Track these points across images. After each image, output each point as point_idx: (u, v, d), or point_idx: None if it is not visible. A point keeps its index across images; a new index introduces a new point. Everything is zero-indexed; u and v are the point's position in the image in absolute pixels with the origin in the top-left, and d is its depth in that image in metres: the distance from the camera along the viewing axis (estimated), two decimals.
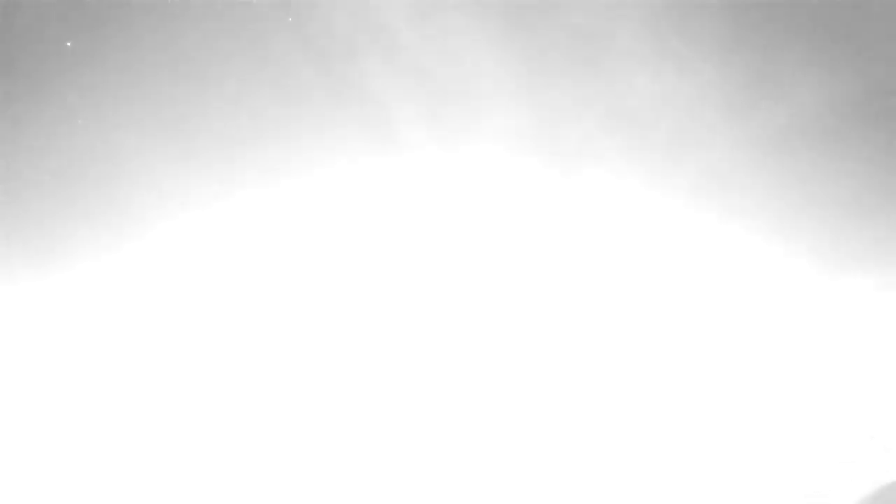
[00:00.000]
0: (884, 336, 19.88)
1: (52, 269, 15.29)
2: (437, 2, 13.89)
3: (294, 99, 14.07)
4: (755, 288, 18.57)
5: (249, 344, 16.38)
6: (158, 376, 16.22)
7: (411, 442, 16.28)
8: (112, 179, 14.27)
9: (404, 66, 14.31)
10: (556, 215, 15.42)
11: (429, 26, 14.09)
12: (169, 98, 13.77)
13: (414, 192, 14.59)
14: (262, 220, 15.12)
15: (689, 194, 15.30)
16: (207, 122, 14.07)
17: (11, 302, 15.39)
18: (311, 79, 13.92)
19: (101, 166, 14.13)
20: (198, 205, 14.81)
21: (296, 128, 14.33)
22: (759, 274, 18.49)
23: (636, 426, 18.73)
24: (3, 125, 13.65)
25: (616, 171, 15.11)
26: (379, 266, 15.89)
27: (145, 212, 14.74)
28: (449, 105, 14.47)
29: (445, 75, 14.48)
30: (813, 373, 20.21)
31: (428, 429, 16.61)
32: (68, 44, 13.05)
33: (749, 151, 15.22)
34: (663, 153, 15.15)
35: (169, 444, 15.44)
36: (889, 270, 18.31)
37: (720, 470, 18.59)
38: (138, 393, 16.16)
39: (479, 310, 17.03)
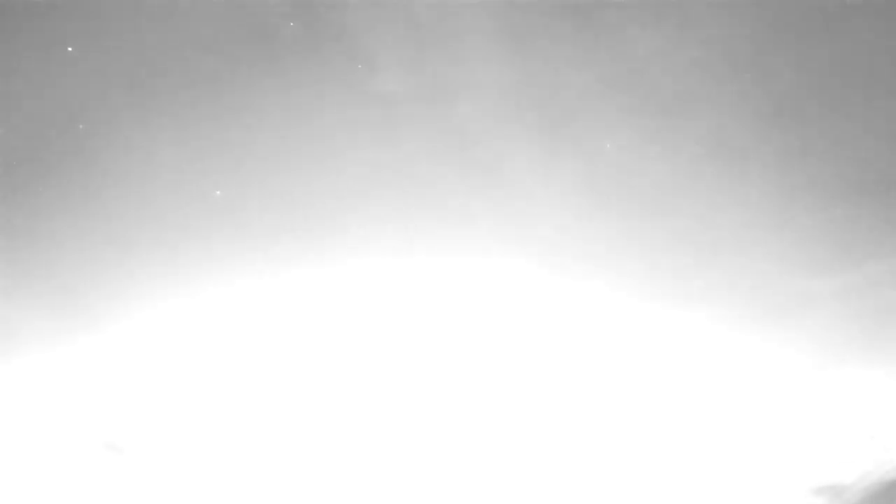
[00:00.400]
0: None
1: (51, 279, 15.02)
2: None
3: (275, 47, 13.73)
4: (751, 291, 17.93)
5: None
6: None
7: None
8: (116, 183, 14.10)
9: (391, 16, 13.54)
10: (545, 177, 14.53)
11: None
12: (171, 101, 13.61)
13: (397, 145, 13.79)
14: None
15: (690, 160, 14.46)
16: (210, 123, 13.89)
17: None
18: (292, 26, 13.56)
19: (103, 171, 13.96)
20: (199, 204, 14.60)
21: (278, 76, 14.03)
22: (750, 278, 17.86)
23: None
24: (3, 130, 13.36)
25: (613, 133, 14.23)
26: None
27: (151, 211, 14.50)
28: (437, 58, 13.64)
29: (434, 27, 13.66)
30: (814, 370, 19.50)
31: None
32: (69, 49, 12.81)
33: (757, 115, 14.42)
34: (664, 114, 14.31)
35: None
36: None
37: (715, 470, 18.61)
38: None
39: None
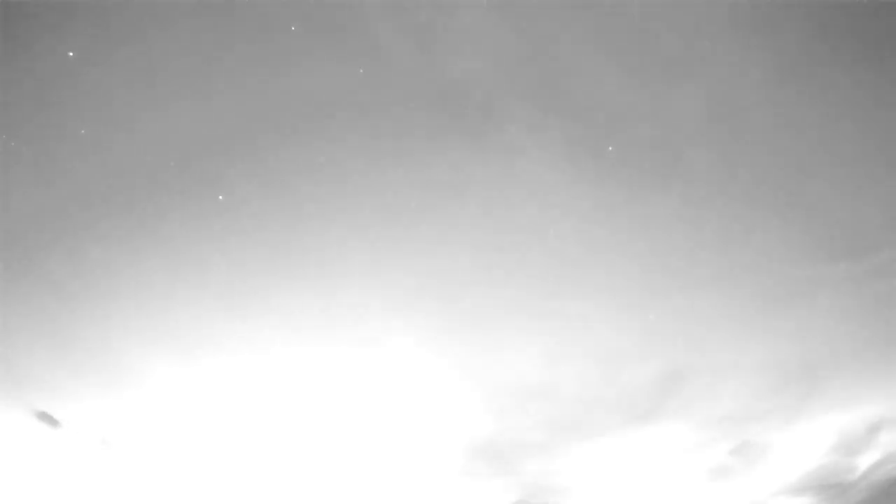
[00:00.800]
0: None
1: (52, 295, 15.33)
2: None
3: (276, 48, 13.58)
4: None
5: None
6: None
7: None
8: (118, 190, 14.33)
9: None
10: (537, 135, 13.89)
11: None
12: (174, 107, 13.72)
13: (388, 104, 13.60)
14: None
15: (691, 124, 13.72)
16: (212, 128, 14.09)
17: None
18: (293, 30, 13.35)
19: (104, 177, 14.19)
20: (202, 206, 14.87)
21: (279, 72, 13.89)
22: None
23: None
24: (4, 136, 13.53)
25: (608, 92, 13.53)
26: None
27: (153, 220, 14.74)
28: (426, 11, 13.10)
29: None
30: None
31: None
32: (70, 54, 12.97)
33: (763, 78, 13.52)
34: (664, 73, 13.59)
35: None
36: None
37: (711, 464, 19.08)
38: None
39: None
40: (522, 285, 16.57)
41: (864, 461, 18.71)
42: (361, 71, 13.62)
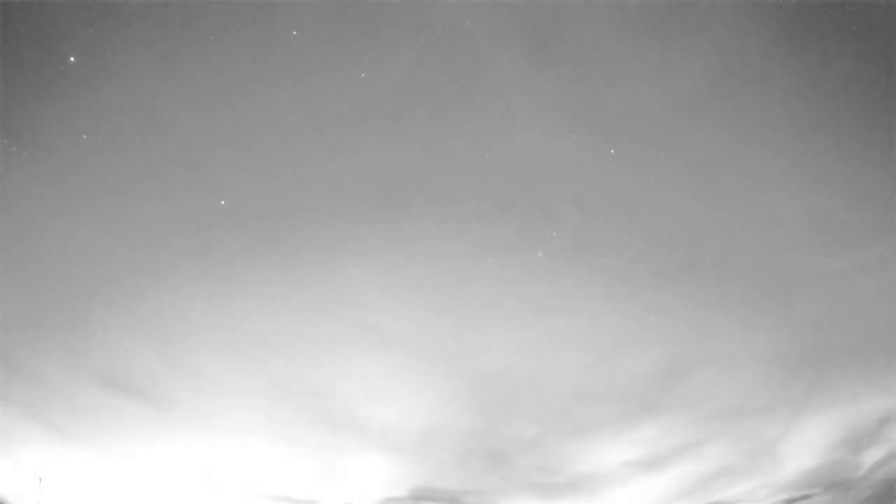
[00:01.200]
0: None
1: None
2: None
3: (278, 54, 13.49)
4: None
5: None
6: None
7: None
8: (120, 194, 14.31)
9: None
10: (530, 92, 13.29)
11: None
12: (175, 112, 13.69)
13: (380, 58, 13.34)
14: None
15: (693, 84, 13.01)
16: (214, 135, 14.05)
17: None
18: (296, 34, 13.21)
19: (106, 181, 14.17)
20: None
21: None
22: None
23: None
24: (5, 140, 13.51)
25: (604, 48, 12.91)
26: None
27: (153, 221, 14.75)
28: None
29: None
30: None
31: None
32: (71, 59, 12.93)
33: (770, 33, 12.58)
34: (664, 26, 12.72)
35: None
36: None
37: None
38: None
39: None
40: (517, 270, 16.22)
41: (871, 457, 18.37)
42: (363, 75, 13.63)
